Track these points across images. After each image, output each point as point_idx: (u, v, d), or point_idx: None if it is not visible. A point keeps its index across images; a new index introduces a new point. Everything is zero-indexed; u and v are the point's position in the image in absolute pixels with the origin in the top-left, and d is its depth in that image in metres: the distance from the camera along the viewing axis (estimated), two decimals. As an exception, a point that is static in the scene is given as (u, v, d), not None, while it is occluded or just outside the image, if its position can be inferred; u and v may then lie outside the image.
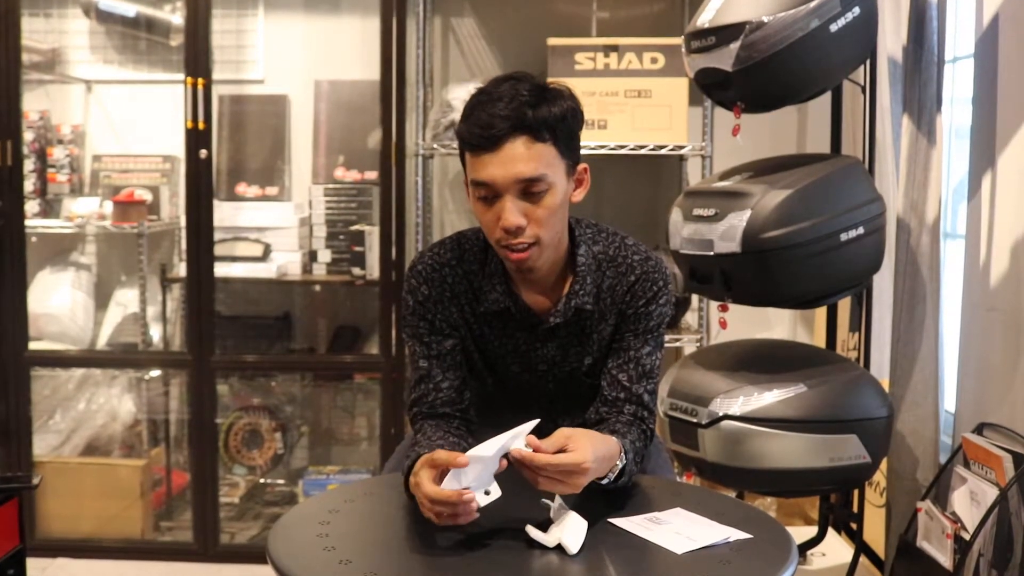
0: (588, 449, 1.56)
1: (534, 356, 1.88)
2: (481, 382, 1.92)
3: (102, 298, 3.94)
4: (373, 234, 3.63)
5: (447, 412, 1.85)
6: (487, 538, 1.51)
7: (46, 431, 3.76)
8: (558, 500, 1.54)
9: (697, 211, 2.52)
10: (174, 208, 3.85)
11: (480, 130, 1.67)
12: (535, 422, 1.56)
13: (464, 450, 1.78)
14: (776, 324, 3.86)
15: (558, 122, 1.69)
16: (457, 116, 3.43)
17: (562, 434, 1.58)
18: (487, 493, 1.50)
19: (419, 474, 1.55)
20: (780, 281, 2.44)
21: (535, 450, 1.52)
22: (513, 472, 1.53)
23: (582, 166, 1.78)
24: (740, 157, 2.75)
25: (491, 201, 1.70)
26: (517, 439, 1.52)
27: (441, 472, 1.51)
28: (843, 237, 2.42)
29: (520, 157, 1.67)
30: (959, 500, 2.46)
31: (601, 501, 1.67)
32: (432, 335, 1.85)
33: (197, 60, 3.45)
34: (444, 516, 1.50)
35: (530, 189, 1.68)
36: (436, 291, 1.84)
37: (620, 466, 1.69)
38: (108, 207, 3.72)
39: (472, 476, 1.48)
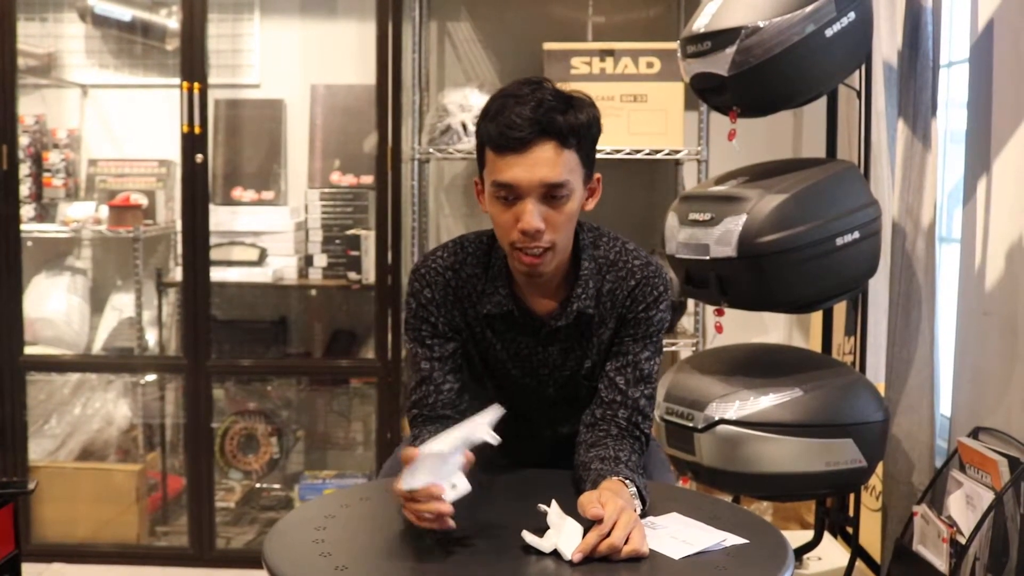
0: (608, 498, 1.53)
1: (535, 359, 1.88)
2: (481, 387, 1.93)
3: (98, 303, 3.94)
4: (369, 238, 3.62)
5: (447, 415, 1.85)
6: (483, 544, 1.50)
7: (41, 436, 3.75)
8: (554, 506, 1.54)
9: (693, 215, 2.52)
10: (170, 212, 3.85)
11: (509, 131, 1.67)
12: (495, 411, 1.55)
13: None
14: (772, 328, 3.86)
15: (584, 130, 1.71)
16: (453, 120, 3.45)
17: (587, 501, 1.54)
18: (454, 487, 1.47)
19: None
20: (776, 285, 2.44)
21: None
22: (510, 480, 1.53)
23: (597, 176, 1.80)
24: (736, 162, 2.75)
25: (511, 202, 1.71)
26: (479, 429, 1.50)
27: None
28: (839, 241, 2.43)
29: (547, 161, 1.67)
30: (955, 504, 2.46)
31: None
32: (434, 338, 1.86)
33: (193, 64, 3.45)
34: (422, 516, 1.49)
35: (552, 193, 1.69)
36: (439, 294, 1.85)
37: (635, 491, 1.65)
38: (104, 211, 3.72)
39: (429, 472, 1.45)
